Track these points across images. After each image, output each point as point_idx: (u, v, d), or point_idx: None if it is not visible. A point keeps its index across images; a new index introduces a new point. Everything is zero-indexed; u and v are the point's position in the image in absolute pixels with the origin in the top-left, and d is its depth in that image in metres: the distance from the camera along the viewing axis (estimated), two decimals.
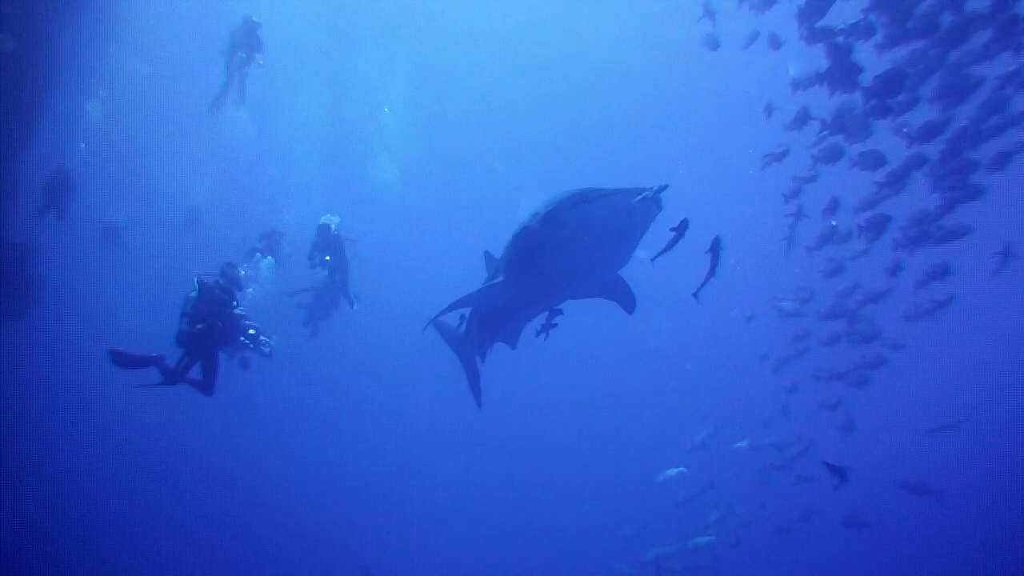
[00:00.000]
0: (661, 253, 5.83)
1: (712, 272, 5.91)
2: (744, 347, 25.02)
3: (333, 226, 13.95)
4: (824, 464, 8.16)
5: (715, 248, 5.89)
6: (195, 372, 8.24)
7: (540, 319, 7.72)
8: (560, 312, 7.47)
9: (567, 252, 6.50)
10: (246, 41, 14.70)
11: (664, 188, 5.68)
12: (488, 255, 8.65)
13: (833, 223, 12.37)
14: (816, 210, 12.71)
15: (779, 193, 13.02)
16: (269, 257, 14.22)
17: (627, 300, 7.71)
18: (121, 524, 25.66)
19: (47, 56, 13.28)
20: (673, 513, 19.98)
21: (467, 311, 8.76)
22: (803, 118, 10.78)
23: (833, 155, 10.55)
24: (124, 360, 7.77)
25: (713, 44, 13.24)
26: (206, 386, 8.24)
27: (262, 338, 8.46)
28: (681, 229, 5.48)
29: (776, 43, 11.39)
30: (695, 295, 6.37)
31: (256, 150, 28.49)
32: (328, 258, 13.85)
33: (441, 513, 32.97)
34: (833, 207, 12.09)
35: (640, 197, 5.76)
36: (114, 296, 27.30)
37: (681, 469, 19.35)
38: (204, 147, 26.24)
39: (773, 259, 19.04)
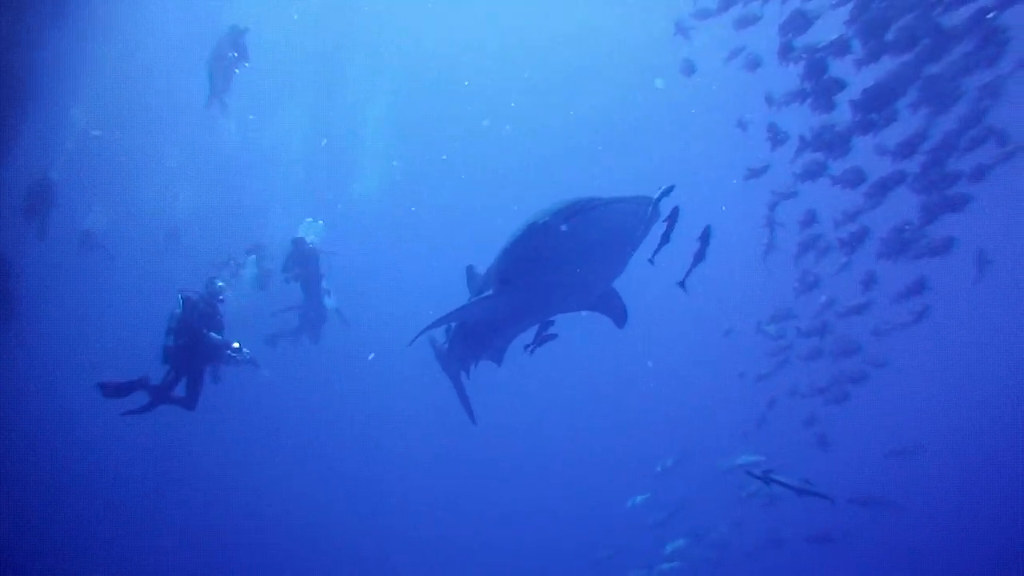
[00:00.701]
0: (657, 250, 5.55)
1: (698, 260, 5.65)
2: (721, 363, 24.91)
3: (308, 239, 13.89)
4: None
5: (705, 237, 5.60)
6: (179, 388, 8.28)
7: (527, 336, 7.41)
8: (551, 325, 7.16)
9: (562, 264, 6.25)
10: (231, 49, 14.63)
11: (670, 190, 5.35)
12: (470, 270, 8.29)
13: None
14: (797, 221, 12.52)
15: (761, 204, 12.85)
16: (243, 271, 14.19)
17: (619, 313, 7.50)
18: (108, 535, 25.39)
19: (28, 64, 13.24)
20: (644, 537, 19.58)
21: (451, 327, 8.44)
22: (774, 135, 10.93)
23: (814, 172, 10.51)
24: (114, 390, 7.80)
25: (688, 70, 13.11)
26: (189, 402, 8.30)
27: (245, 350, 8.33)
28: (672, 218, 5.26)
29: (755, 63, 11.49)
30: (681, 284, 6.06)
31: (239, 161, 28.46)
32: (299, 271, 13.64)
33: (411, 531, 32.23)
34: (810, 219, 11.93)
35: (638, 205, 5.58)
36: (95, 306, 27.11)
37: (647, 495, 19.14)
38: (187, 156, 26.18)
39: (753, 270, 19.19)
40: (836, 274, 12.65)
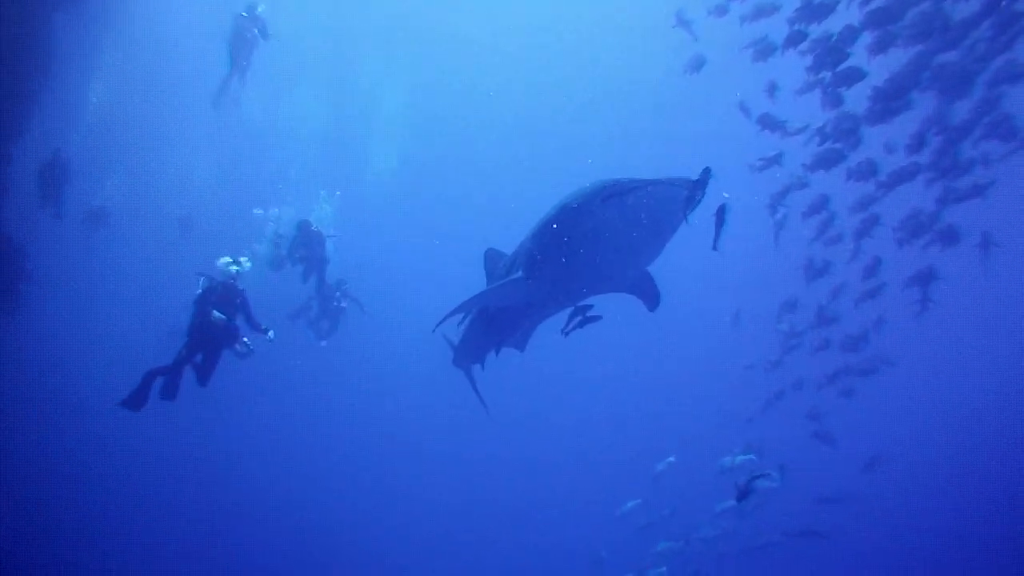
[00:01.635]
0: (717, 240, 5.08)
1: (719, 230, 5.06)
2: (729, 354, 24.71)
3: (313, 223, 13.88)
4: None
5: (721, 213, 5.06)
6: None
7: (557, 319, 7.00)
8: (591, 307, 6.56)
9: (595, 248, 5.94)
10: (252, 26, 14.72)
11: (708, 174, 5.03)
12: (490, 253, 7.98)
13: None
14: (800, 212, 12.58)
15: (766, 191, 12.67)
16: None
17: (652, 296, 7.16)
18: (116, 526, 25.55)
19: (43, 44, 13.28)
20: (633, 540, 19.39)
21: (467, 314, 7.94)
22: (771, 125, 11.09)
23: (828, 162, 10.43)
24: (135, 400, 7.98)
25: (698, 65, 12.74)
26: (202, 377, 8.45)
27: (245, 339, 8.54)
28: (721, 214, 4.93)
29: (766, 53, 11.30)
30: (715, 248, 5.26)
31: (254, 145, 28.52)
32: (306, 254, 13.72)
33: (407, 530, 31.86)
34: (821, 205, 11.97)
35: (677, 188, 5.27)
36: (106, 288, 27.25)
37: (639, 500, 19.00)
38: (201, 140, 26.22)
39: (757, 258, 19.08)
40: (847, 262, 12.69)
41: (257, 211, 18.28)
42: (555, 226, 6.02)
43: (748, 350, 18.88)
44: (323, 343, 16.23)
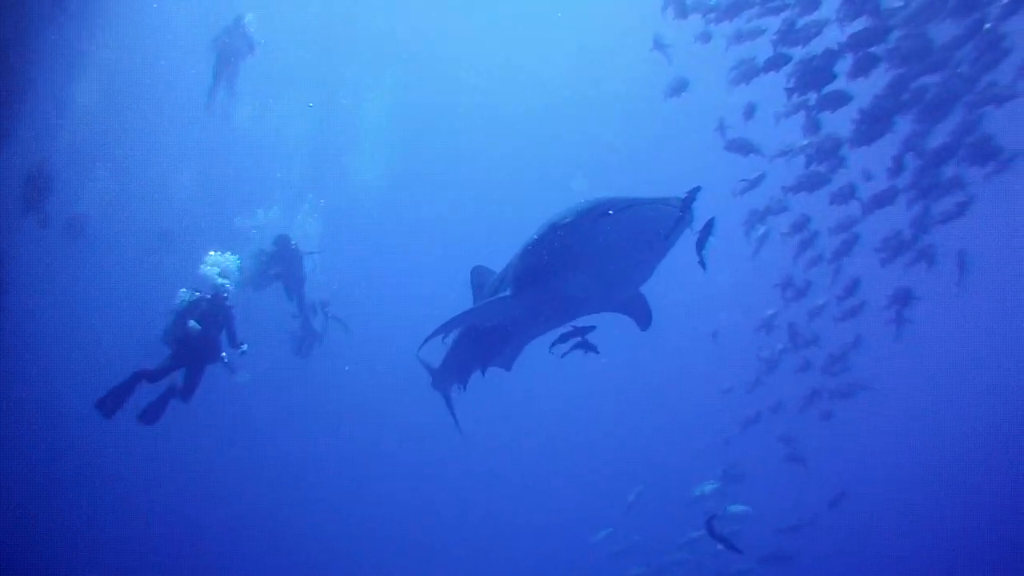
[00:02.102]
0: (701, 256, 5.05)
1: (704, 246, 5.01)
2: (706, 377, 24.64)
3: (293, 239, 13.23)
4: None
5: (707, 228, 5.00)
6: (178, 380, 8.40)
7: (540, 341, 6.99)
8: (590, 330, 6.45)
9: (585, 267, 5.81)
10: (238, 38, 14.56)
11: (696, 192, 4.96)
12: (478, 271, 7.86)
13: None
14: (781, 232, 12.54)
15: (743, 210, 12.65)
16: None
17: (643, 316, 7.10)
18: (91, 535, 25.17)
19: (27, 48, 13.18)
20: (607, 567, 19.74)
21: (451, 333, 7.64)
22: (740, 148, 11.15)
23: (810, 184, 10.50)
24: (112, 401, 7.82)
25: (678, 88, 12.13)
26: (185, 393, 8.35)
27: (242, 348, 8.49)
28: (707, 230, 4.91)
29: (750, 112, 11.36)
30: (701, 263, 5.18)
31: (238, 153, 28.43)
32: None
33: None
34: (802, 224, 11.88)
35: (668, 207, 5.15)
36: (85, 297, 26.95)
37: (610, 529, 19.31)
38: (186, 147, 26.10)
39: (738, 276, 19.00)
40: (829, 283, 12.73)
41: (240, 221, 18.07)
42: (544, 244, 5.91)
43: (727, 372, 18.76)
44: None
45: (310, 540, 30.44)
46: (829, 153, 9.84)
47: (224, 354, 8.34)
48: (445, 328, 6.69)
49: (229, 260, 8.87)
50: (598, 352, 6.42)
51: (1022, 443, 33.34)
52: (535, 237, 6.07)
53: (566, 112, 34.51)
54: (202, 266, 8.76)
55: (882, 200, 10.20)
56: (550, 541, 29.58)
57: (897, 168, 9.96)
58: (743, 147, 11.39)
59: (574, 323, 6.58)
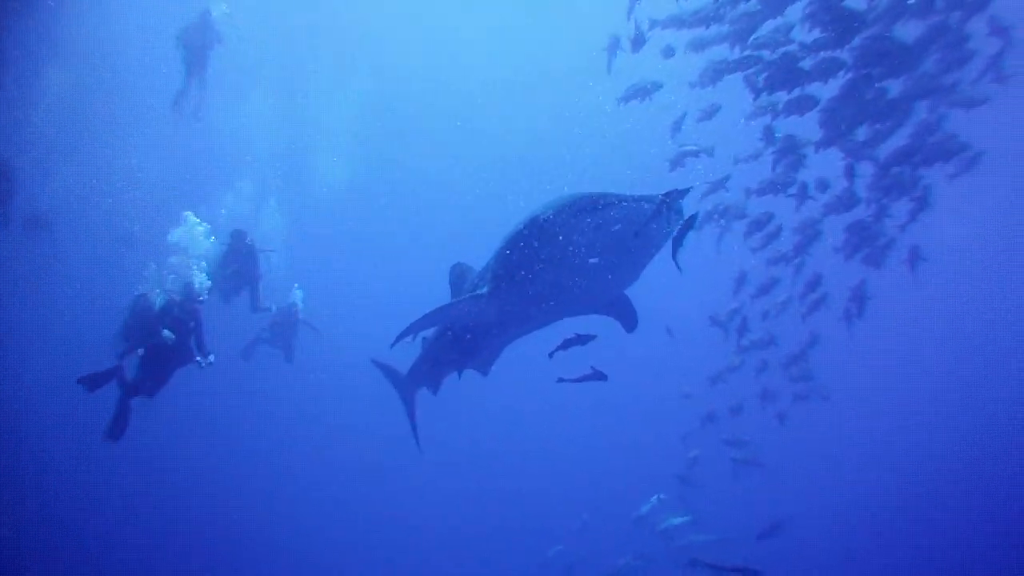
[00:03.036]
0: (676, 254, 4.75)
1: (679, 246, 4.68)
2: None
3: (248, 234, 12.58)
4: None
5: (683, 230, 4.68)
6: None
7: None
8: (591, 339, 5.98)
9: (566, 266, 5.52)
10: (205, 31, 14.27)
11: (685, 193, 4.76)
12: (458, 268, 7.46)
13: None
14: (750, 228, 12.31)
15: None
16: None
17: (628, 318, 6.77)
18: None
19: None
20: None
21: (428, 332, 7.45)
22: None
23: (774, 187, 10.58)
24: (93, 381, 7.88)
25: (641, 93, 11.09)
26: (151, 389, 8.37)
27: (211, 359, 8.47)
28: (683, 232, 4.61)
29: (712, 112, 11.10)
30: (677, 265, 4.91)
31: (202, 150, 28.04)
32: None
33: None
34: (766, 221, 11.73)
35: (659, 206, 4.84)
36: (46, 295, 26.46)
37: (559, 547, 19.67)
38: (150, 144, 25.73)
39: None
40: (789, 278, 12.72)
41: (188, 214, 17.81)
42: (523, 240, 5.66)
43: (687, 373, 18.57)
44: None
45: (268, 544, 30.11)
46: (790, 157, 10.01)
47: (199, 359, 8.33)
48: (416, 327, 6.34)
49: (203, 234, 8.79)
50: (606, 378, 6.10)
51: (988, 444, 33.95)
52: (514, 232, 5.82)
53: (540, 108, 34.53)
54: (175, 232, 8.68)
55: (846, 202, 10.34)
56: (501, 555, 29.30)
57: (849, 175, 10.04)
58: (684, 158, 11.33)
59: (561, 328, 6.24)
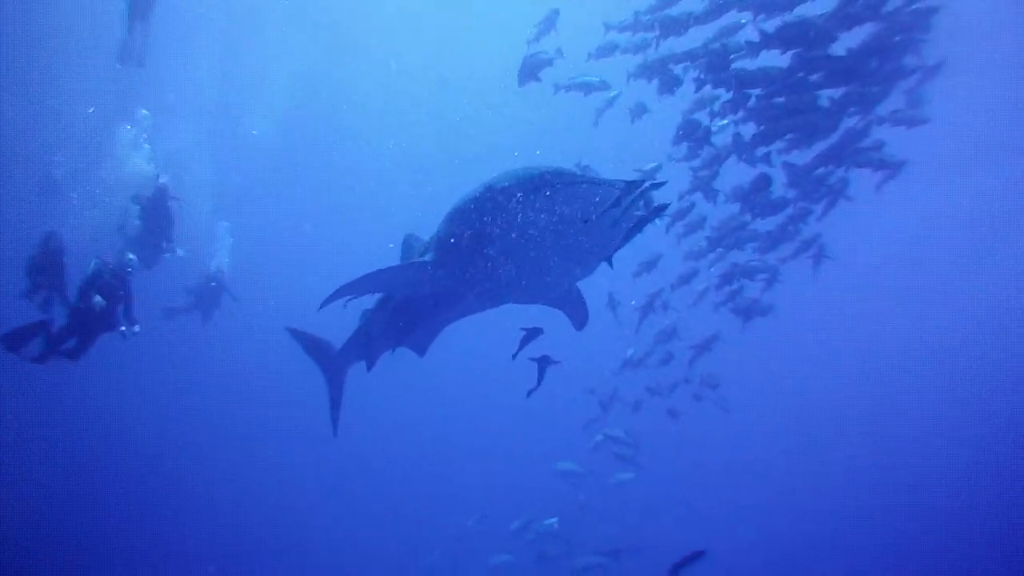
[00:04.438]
0: (619, 247, 4.49)
1: (632, 234, 4.31)
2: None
3: (162, 179, 12.42)
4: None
5: (655, 211, 4.23)
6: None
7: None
8: (539, 333, 5.49)
9: (518, 243, 5.15)
10: None
11: (657, 185, 4.16)
12: (410, 240, 6.96)
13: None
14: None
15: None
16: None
17: (578, 314, 6.48)
18: None
19: None
20: None
21: (370, 305, 6.98)
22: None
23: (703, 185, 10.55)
24: (15, 338, 7.93)
25: (639, 112, 10.79)
26: (75, 354, 8.45)
27: (136, 329, 8.54)
28: (653, 215, 4.16)
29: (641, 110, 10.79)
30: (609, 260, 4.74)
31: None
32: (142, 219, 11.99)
33: None
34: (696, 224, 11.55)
35: (624, 191, 4.24)
36: None
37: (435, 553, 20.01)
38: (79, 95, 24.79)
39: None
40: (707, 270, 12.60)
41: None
42: (475, 208, 5.23)
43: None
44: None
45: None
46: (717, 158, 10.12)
47: (123, 328, 8.41)
48: (349, 290, 5.83)
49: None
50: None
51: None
52: (466, 199, 5.41)
53: (488, 88, 34.38)
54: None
55: (776, 206, 10.39)
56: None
57: (761, 186, 9.82)
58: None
59: (505, 319, 5.85)
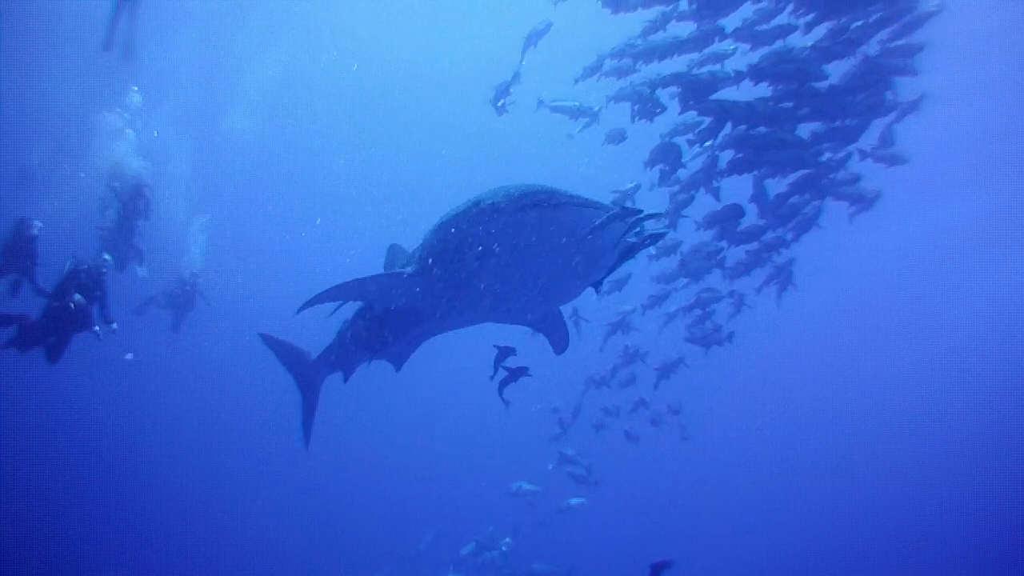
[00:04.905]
0: (608, 273, 4.47)
1: (622, 261, 4.28)
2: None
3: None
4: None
5: (647, 240, 4.22)
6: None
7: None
8: (510, 352, 5.51)
9: (501, 262, 5.08)
10: None
11: (647, 216, 4.21)
12: (395, 249, 6.86)
13: None
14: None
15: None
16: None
17: (560, 338, 6.40)
18: None
19: None
20: None
21: (350, 315, 6.93)
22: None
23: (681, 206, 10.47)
24: None
25: (617, 138, 10.60)
26: (52, 355, 8.36)
27: (113, 325, 8.59)
28: (647, 240, 4.15)
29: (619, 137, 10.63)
30: (596, 285, 4.87)
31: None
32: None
33: None
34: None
35: (622, 220, 4.27)
36: None
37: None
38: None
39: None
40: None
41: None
42: (462, 223, 5.16)
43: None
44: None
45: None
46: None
47: (97, 328, 8.40)
48: (325, 297, 5.71)
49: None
50: (527, 375, 5.55)
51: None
52: (453, 213, 5.33)
53: (474, 89, 34.20)
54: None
55: (750, 235, 10.45)
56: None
57: (733, 215, 9.90)
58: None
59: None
